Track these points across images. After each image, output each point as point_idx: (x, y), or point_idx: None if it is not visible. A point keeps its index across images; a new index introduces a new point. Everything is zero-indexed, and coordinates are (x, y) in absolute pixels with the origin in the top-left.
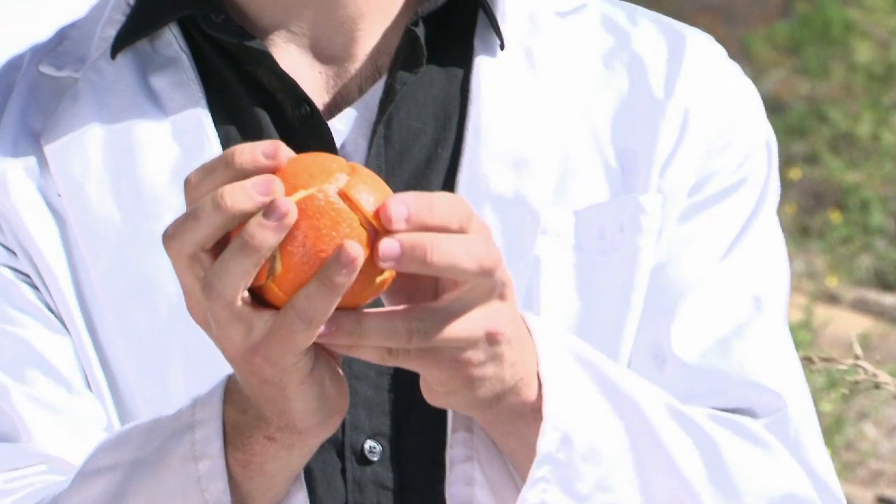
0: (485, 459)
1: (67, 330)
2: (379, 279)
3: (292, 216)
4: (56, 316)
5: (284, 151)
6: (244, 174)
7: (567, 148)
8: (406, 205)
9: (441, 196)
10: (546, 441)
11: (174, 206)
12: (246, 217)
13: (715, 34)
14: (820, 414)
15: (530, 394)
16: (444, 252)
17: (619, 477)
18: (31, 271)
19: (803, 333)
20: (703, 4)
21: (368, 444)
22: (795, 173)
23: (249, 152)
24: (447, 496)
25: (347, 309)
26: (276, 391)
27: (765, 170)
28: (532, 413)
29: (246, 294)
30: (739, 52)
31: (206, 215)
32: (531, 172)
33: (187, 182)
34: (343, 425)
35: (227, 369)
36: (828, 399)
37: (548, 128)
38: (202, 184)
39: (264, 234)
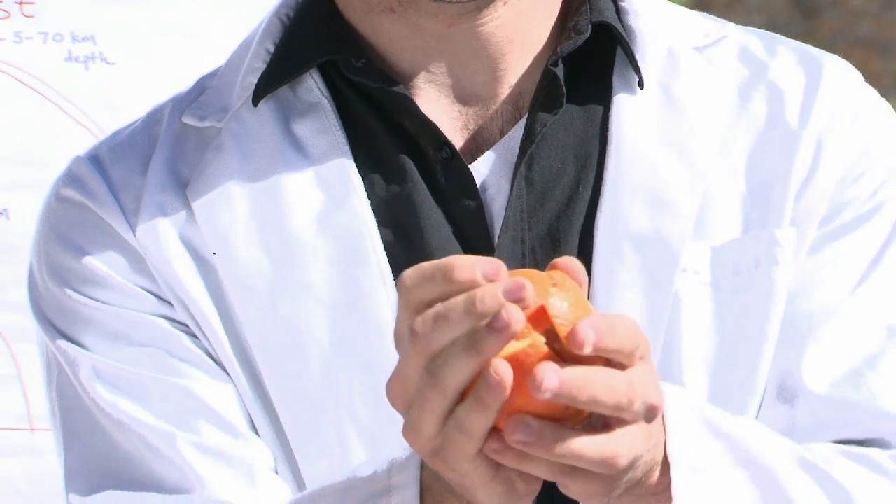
0: None
1: (229, 376)
2: None
3: (516, 326)
4: (216, 362)
5: (504, 272)
6: (461, 289)
7: (705, 184)
8: (595, 330)
9: (621, 323)
10: None
11: (321, 254)
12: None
13: (869, 68)
14: None
15: (654, 477)
16: (590, 392)
17: None
18: (188, 320)
19: None
20: (857, 38)
21: None
22: None
23: (469, 271)
24: None
25: (552, 421)
26: (463, 489)
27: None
28: (654, 496)
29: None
30: (893, 86)
31: (458, 317)
32: (671, 210)
33: (402, 282)
34: None
35: (383, 420)
36: None
37: (686, 165)
38: (417, 290)
39: (487, 341)
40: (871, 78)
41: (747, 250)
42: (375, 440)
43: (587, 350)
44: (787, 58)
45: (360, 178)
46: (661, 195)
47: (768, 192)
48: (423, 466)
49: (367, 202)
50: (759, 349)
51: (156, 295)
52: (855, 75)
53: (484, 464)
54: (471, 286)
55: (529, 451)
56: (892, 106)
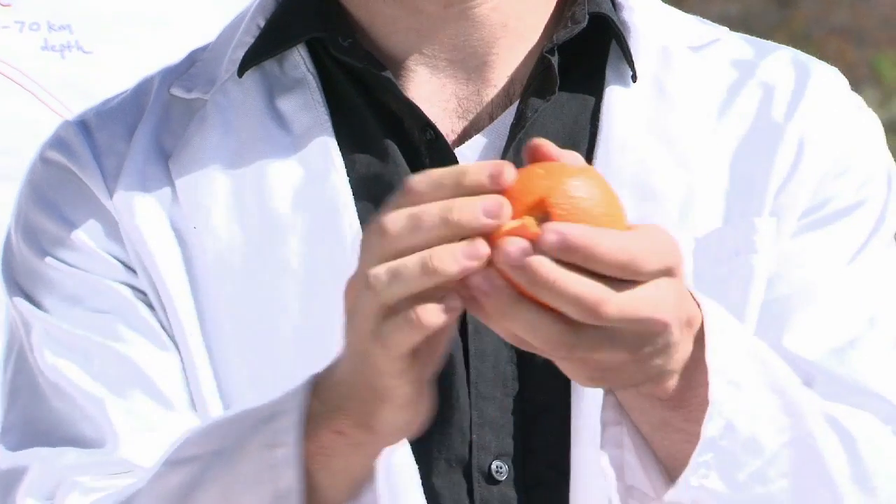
0: (630, 424)
1: (179, 350)
2: None
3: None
4: (168, 334)
5: (509, 174)
6: (472, 193)
7: (692, 177)
8: (561, 234)
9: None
10: (711, 427)
11: (298, 230)
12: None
13: (844, 57)
14: None
15: (670, 385)
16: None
17: (776, 471)
18: (150, 290)
19: None
20: (833, 27)
21: (495, 464)
22: None
23: (476, 175)
24: (602, 458)
25: None
26: (377, 402)
27: (883, 197)
28: (662, 402)
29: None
30: (869, 75)
31: (413, 277)
32: (656, 200)
33: (410, 187)
34: (470, 445)
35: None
36: None
37: (674, 156)
38: (427, 195)
39: (446, 265)
40: (847, 67)
41: (727, 240)
42: None
43: (555, 253)
44: (777, 60)
45: (340, 156)
46: (648, 185)
47: (750, 183)
48: (314, 393)
49: (347, 180)
50: None
51: (122, 262)
52: (842, 81)
53: (409, 384)
54: (479, 189)
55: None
56: (868, 95)
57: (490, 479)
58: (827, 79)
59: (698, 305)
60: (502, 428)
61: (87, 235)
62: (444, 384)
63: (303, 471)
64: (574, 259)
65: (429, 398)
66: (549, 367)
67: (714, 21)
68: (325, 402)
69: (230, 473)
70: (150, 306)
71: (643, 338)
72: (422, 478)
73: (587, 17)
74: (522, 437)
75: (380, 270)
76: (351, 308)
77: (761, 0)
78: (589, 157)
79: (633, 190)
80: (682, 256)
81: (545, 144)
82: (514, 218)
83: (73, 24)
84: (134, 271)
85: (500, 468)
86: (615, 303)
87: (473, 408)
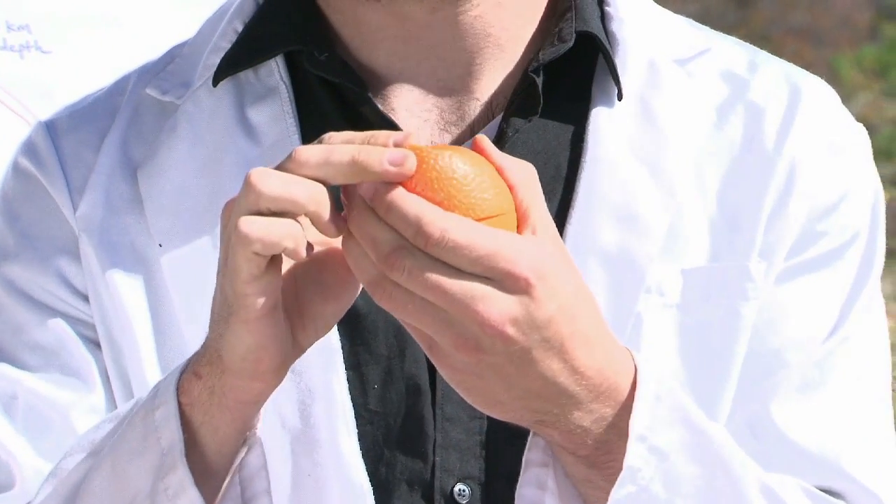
0: (560, 469)
1: (110, 387)
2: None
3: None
4: (101, 372)
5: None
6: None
7: (678, 205)
8: (371, 188)
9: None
10: (621, 491)
11: None
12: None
13: (803, 57)
14: None
15: (585, 441)
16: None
17: None
18: (98, 318)
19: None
20: (792, 27)
21: (458, 487)
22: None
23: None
24: (517, 496)
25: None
26: (225, 317)
27: (867, 234)
28: (579, 458)
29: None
30: (827, 75)
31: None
32: (640, 229)
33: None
34: (433, 467)
35: (317, 423)
36: None
37: (660, 184)
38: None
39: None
40: (805, 67)
41: (719, 279)
42: (303, 440)
43: (367, 198)
44: (768, 77)
45: None
46: (632, 213)
47: (739, 218)
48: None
49: None
50: (723, 379)
51: (75, 289)
52: (834, 100)
53: (260, 295)
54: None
55: (376, 203)
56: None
57: (451, 502)
58: (817, 101)
59: (636, 371)
60: (467, 450)
61: (43, 257)
62: (409, 405)
63: (181, 424)
64: (376, 208)
65: (280, 356)
66: None
67: None
68: (197, 352)
69: (118, 448)
70: (94, 342)
71: (472, 330)
72: (382, 500)
73: (574, 35)
74: (487, 461)
75: (269, 173)
76: (227, 218)
77: (720, 0)
78: (572, 179)
79: (617, 217)
80: (544, 286)
81: (483, 141)
82: None
83: (31, 23)
84: (85, 298)
85: (463, 491)
86: (404, 255)
87: (438, 429)
